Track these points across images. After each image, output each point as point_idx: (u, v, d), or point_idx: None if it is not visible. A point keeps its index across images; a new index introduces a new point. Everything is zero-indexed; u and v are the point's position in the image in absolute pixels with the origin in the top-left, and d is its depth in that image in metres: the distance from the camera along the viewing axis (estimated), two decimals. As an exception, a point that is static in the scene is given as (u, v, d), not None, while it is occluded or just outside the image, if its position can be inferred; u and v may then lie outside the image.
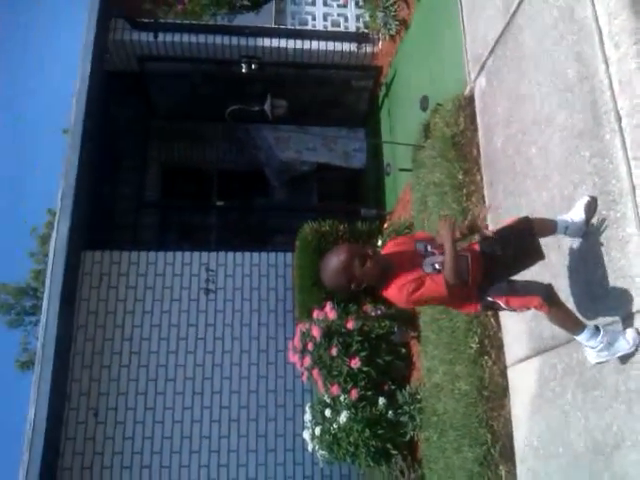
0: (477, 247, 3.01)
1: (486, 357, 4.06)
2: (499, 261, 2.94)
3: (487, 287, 2.89)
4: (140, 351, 6.59)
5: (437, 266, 2.81)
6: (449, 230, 2.77)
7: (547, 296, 2.79)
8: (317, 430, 5.17)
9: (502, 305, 2.87)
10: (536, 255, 3.08)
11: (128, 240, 8.06)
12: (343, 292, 2.83)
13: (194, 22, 8.06)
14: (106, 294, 6.76)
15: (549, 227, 3.13)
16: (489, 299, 2.88)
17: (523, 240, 3.03)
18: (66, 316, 6.25)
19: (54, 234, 6.45)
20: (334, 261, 2.77)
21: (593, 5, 3.18)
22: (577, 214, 3.10)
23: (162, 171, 9.88)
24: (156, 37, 7.83)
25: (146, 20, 7.82)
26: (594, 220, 3.05)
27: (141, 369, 6.54)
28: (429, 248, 2.89)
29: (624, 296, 2.80)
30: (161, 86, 8.31)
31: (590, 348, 2.85)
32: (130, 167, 8.86)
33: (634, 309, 2.75)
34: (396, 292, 2.81)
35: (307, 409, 5.55)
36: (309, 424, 5.37)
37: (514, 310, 2.96)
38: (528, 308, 2.91)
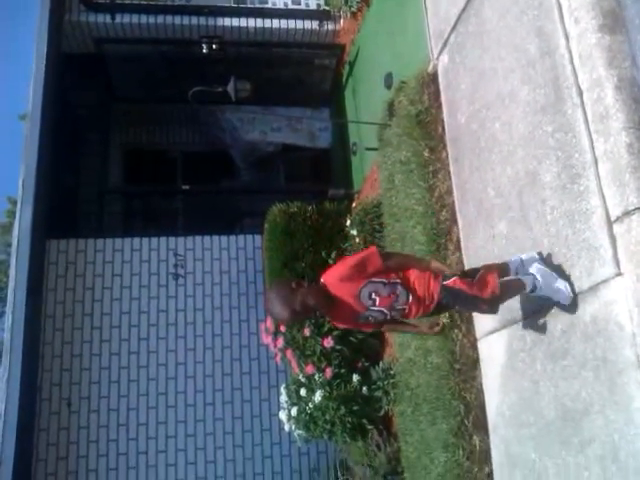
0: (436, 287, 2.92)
1: (456, 330, 4.14)
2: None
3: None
4: (110, 339, 6.53)
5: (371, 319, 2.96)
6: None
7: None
8: (293, 410, 5.21)
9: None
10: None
11: (93, 227, 7.92)
12: (297, 320, 2.99)
13: (152, 2, 7.88)
14: (73, 283, 6.66)
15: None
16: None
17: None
18: (33, 307, 6.14)
19: (17, 223, 6.30)
20: (275, 297, 2.84)
21: (553, -20, 3.21)
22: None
23: (125, 156, 9.70)
24: (113, 18, 7.64)
25: (102, 1, 7.61)
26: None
27: (112, 357, 6.49)
28: (375, 298, 2.86)
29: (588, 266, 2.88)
30: (121, 68, 8.13)
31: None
32: (92, 152, 8.68)
33: (599, 279, 2.83)
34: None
35: (282, 390, 5.58)
36: (285, 405, 5.41)
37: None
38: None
